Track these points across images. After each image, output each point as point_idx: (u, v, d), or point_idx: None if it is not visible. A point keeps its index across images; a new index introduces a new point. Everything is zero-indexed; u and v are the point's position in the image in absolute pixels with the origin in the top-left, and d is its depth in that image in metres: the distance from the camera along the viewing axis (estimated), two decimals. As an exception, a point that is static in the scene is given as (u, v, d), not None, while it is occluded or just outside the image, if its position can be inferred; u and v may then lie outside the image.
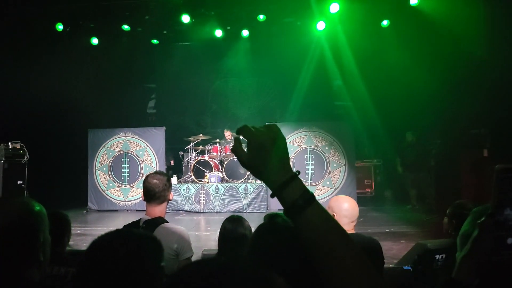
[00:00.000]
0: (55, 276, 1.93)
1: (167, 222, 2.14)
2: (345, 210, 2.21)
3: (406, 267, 2.85)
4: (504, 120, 5.66)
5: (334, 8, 7.53)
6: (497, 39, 5.68)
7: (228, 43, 9.36)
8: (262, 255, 1.00)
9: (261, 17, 8.11)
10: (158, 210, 2.14)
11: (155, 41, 8.96)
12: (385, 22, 7.93)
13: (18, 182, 6.89)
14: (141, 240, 0.86)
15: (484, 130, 5.82)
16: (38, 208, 1.14)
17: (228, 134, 9.08)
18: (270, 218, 1.09)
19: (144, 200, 2.17)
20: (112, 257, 0.81)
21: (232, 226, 2.02)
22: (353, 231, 2.24)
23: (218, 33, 8.73)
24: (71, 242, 2.24)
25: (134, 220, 2.21)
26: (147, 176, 2.18)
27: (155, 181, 2.12)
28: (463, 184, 5.78)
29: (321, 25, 8.20)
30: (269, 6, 7.97)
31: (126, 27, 8.21)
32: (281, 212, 1.09)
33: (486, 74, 6.14)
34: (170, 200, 2.20)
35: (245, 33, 8.60)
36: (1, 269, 1.02)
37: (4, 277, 1.01)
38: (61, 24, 7.94)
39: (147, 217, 2.13)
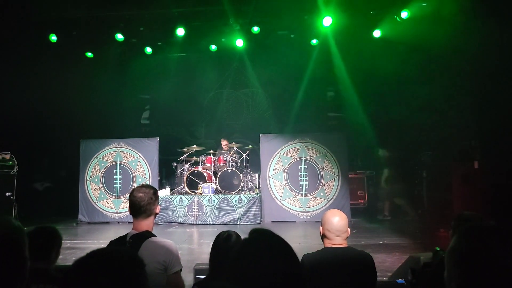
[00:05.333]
0: (41, 295, 1.85)
1: (155, 236, 2.10)
2: (337, 224, 2.19)
3: (400, 280, 2.82)
4: (494, 132, 5.72)
5: (327, 21, 7.60)
6: (487, 53, 5.78)
7: (222, 54, 9.42)
8: (243, 267, 1.01)
9: (255, 29, 8.20)
10: (145, 224, 2.10)
11: (149, 51, 8.96)
12: (376, 34, 8.03)
13: (7, 193, 6.76)
14: (122, 262, 0.88)
15: (475, 142, 5.88)
16: (18, 224, 1.11)
17: (225, 144, 9.01)
18: (252, 233, 1.13)
19: (131, 214, 2.13)
20: (93, 281, 0.84)
21: (223, 243, 1.98)
22: (345, 245, 2.21)
23: (213, 45, 8.80)
24: (59, 256, 2.17)
25: (123, 234, 2.16)
26: (132, 190, 2.14)
27: (140, 194, 2.08)
28: (454, 196, 5.81)
29: (314, 38, 8.32)
30: (263, 19, 8.06)
31: (120, 38, 8.22)
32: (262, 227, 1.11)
33: (477, 86, 6.24)
34: (157, 213, 2.16)
35: (239, 44, 8.66)
36: None
37: None
38: (54, 35, 7.91)
39: (134, 232, 2.09)
